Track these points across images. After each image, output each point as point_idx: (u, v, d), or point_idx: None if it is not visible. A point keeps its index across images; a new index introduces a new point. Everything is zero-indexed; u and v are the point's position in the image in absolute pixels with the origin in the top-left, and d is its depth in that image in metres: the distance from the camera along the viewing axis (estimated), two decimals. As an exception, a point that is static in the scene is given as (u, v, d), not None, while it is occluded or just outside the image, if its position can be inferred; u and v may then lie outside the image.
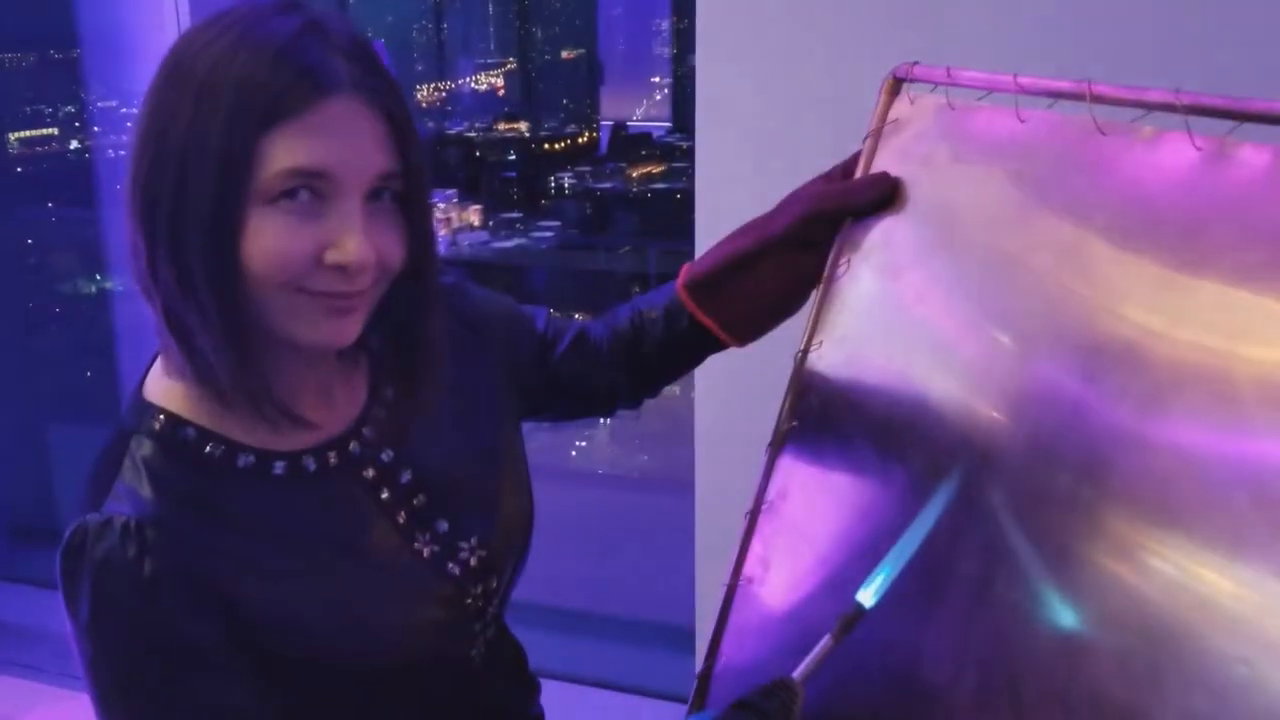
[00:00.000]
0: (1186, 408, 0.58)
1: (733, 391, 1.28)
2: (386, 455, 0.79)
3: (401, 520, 0.78)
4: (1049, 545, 0.65)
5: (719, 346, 0.90)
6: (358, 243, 0.68)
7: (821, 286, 0.86)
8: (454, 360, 0.83)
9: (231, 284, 0.66)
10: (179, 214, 0.65)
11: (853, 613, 0.69)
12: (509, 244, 3.58)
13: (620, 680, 1.88)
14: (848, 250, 0.86)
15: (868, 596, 0.69)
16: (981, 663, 0.68)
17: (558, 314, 0.97)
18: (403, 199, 0.72)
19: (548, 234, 3.61)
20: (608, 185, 3.86)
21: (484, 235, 3.53)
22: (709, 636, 0.87)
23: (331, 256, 0.67)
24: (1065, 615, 0.64)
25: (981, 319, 0.73)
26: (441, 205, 3.30)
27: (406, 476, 0.79)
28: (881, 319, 0.82)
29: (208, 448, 0.72)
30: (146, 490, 0.69)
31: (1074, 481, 0.64)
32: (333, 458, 0.76)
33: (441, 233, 3.53)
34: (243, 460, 0.73)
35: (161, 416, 0.72)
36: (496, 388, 0.87)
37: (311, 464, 0.75)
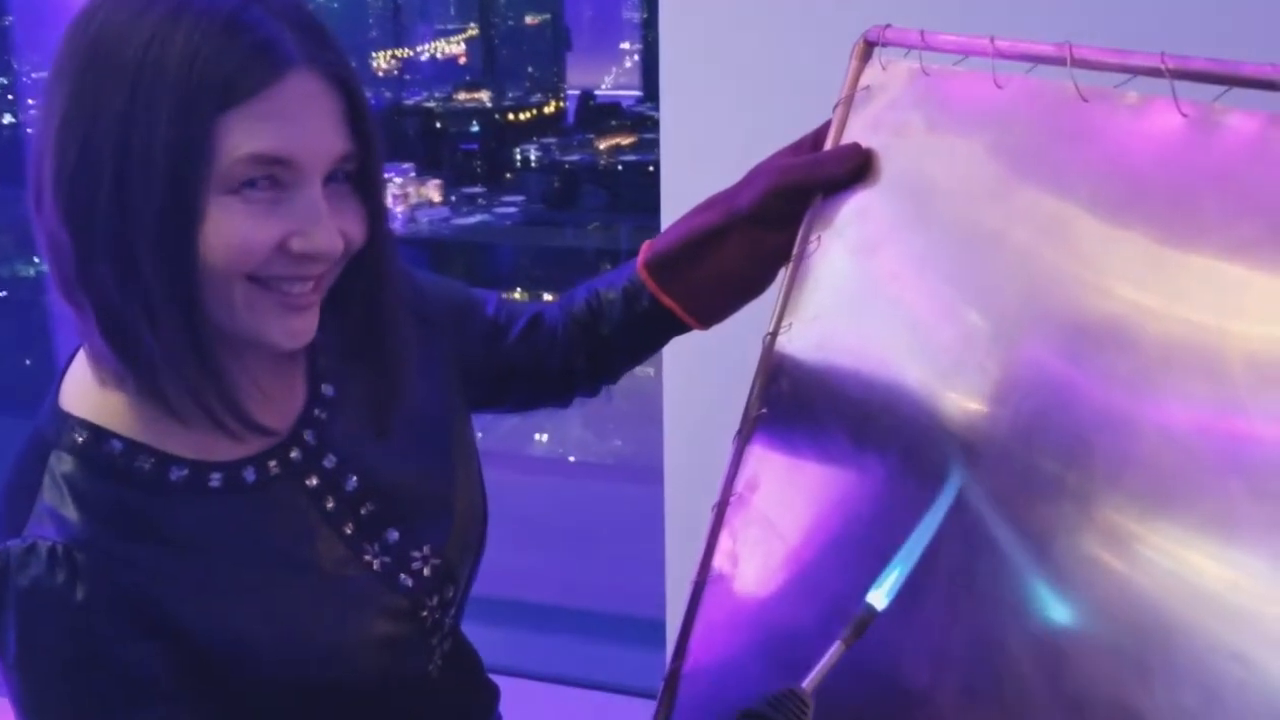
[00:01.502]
0: (1176, 389, 0.58)
1: (702, 376, 1.27)
2: (330, 461, 0.76)
3: (349, 531, 0.76)
4: (1033, 536, 0.64)
5: (682, 329, 0.88)
6: (327, 231, 0.66)
7: (791, 265, 0.84)
8: (401, 349, 0.80)
9: (189, 281, 0.63)
10: (123, 209, 0.62)
11: (865, 615, 0.67)
12: (471, 220, 3.54)
13: (592, 677, 1.87)
14: (818, 226, 0.84)
15: (879, 598, 0.67)
16: (964, 662, 0.68)
17: (509, 297, 0.94)
18: (358, 178, 0.69)
19: (512, 209, 3.57)
20: (575, 157, 3.82)
21: (444, 211, 3.49)
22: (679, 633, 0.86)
23: (299, 245, 0.66)
24: (1051, 609, 0.64)
25: (960, 298, 0.72)
26: (399, 180, 3.25)
27: (352, 483, 0.77)
28: (855, 299, 0.81)
29: (136, 461, 0.69)
30: (71, 511, 0.66)
31: (1059, 468, 0.63)
32: (273, 466, 0.73)
33: (399, 209, 3.48)
34: (176, 473, 0.70)
35: (83, 429, 0.69)
36: (446, 380, 0.85)
37: (251, 474, 0.72)
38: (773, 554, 0.82)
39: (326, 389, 0.79)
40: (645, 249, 0.89)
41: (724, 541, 0.85)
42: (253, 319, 0.67)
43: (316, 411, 0.77)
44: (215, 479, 0.71)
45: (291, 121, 0.63)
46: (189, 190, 0.61)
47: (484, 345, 0.90)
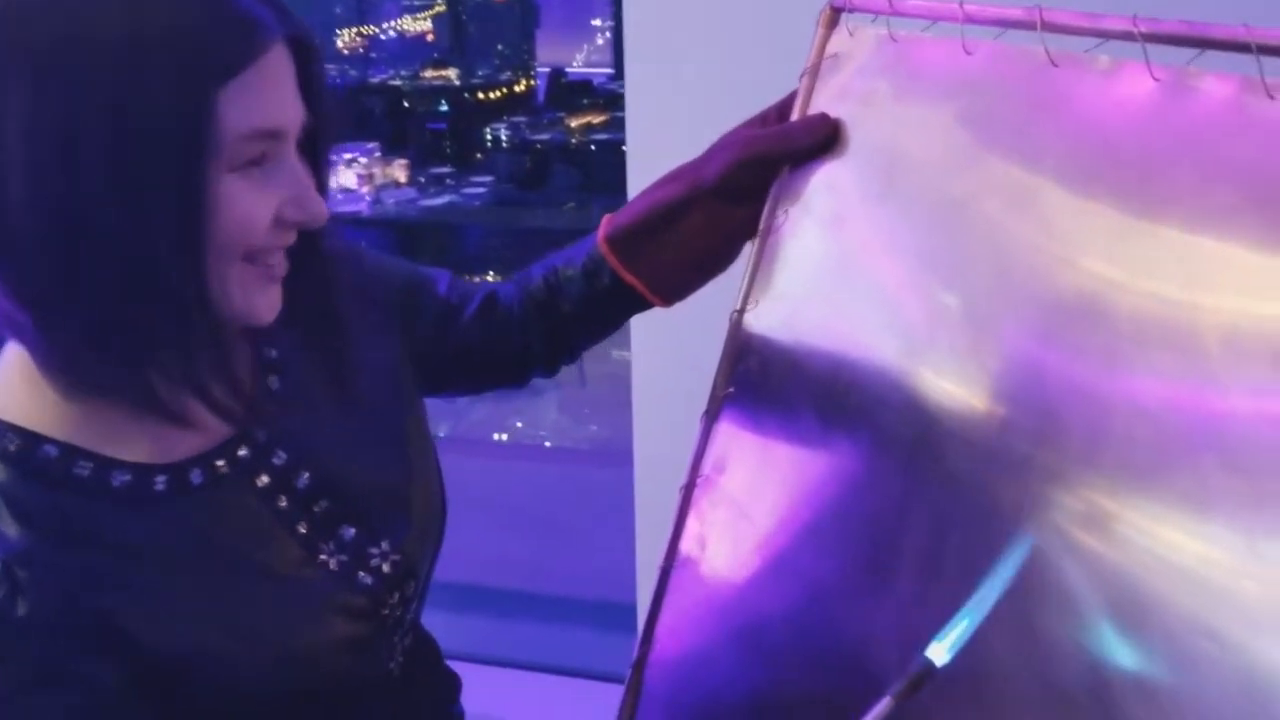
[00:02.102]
0: (1148, 364, 0.58)
1: (672, 356, 1.25)
2: (280, 458, 0.74)
3: (303, 530, 0.73)
4: (1004, 515, 0.64)
5: (643, 306, 0.87)
6: (317, 199, 0.66)
7: (758, 239, 0.83)
8: (351, 336, 0.78)
9: (202, 267, 0.62)
10: (124, 202, 0.58)
11: (921, 671, 0.62)
12: (438, 201, 3.50)
13: (564, 663, 1.86)
14: (785, 200, 0.83)
15: (940, 652, 0.62)
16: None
17: (465, 277, 0.92)
18: (306, 147, 0.68)
19: (480, 190, 3.53)
20: (546, 137, 3.79)
21: (411, 192, 3.45)
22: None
23: (293, 214, 0.65)
24: (1023, 589, 0.63)
25: (930, 274, 0.71)
26: (364, 161, 3.20)
27: (304, 480, 0.74)
28: (823, 274, 0.80)
29: (74, 467, 0.66)
30: (8, 523, 0.64)
31: (1031, 445, 0.63)
32: (221, 466, 0.71)
33: (364, 190, 3.44)
34: (118, 478, 0.67)
35: (14, 435, 0.66)
36: (397, 365, 0.83)
37: (198, 476, 0.70)
38: (742, 538, 0.81)
39: (273, 381, 0.76)
40: (606, 223, 0.87)
41: (691, 525, 0.84)
42: (245, 295, 0.66)
43: (265, 405, 0.75)
44: (160, 482, 0.68)
45: (275, 90, 0.63)
46: (199, 173, 0.59)
47: (437, 327, 0.88)
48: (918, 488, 0.70)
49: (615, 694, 0.83)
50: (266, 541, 0.72)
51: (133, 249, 0.60)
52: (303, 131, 0.66)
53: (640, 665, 0.84)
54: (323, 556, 0.74)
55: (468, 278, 0.94)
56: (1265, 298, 0.54)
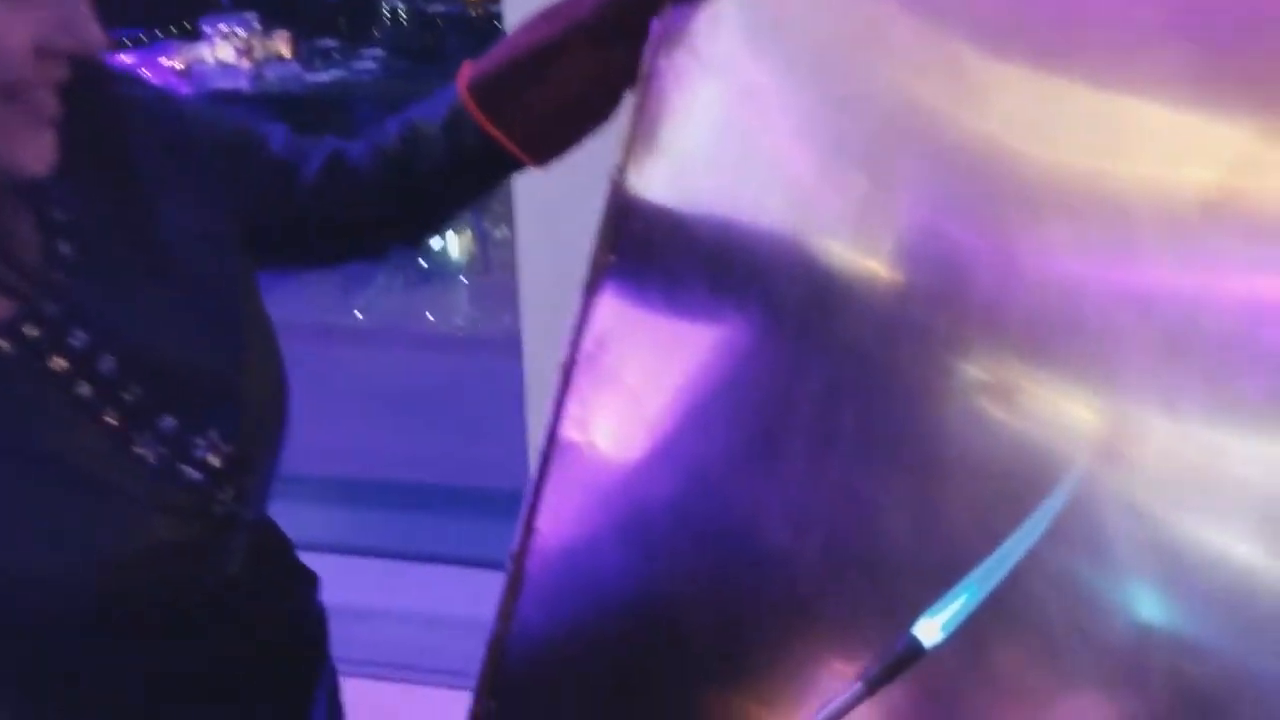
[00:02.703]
0: (1056, 232, 0.57)
1: (557, 225, 1.17)
2: (79, 339, 0.65)
3: (112, 421, 0.65)
4: (902, 383, 0.63)
5: (515, 166, 0.78)
6: (91, 22, 0.58)
7: (638, 86, 0.76)
8: (162, 199, 0.69)
9: None
10: None
11: (906, 653, 0.51)
12: (324, 77, 3.30)
13: (454, 553, 1.83)
14: (668, 41, 0.75)
15: (932, 631, 0.52)
16: (828, 520, 0.65)
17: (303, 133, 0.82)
18: None
19: (370, 65, 3.34)
20: (442, 8, 3.58)
21: (294, 67, 3.25)
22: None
23: (61, 42, 0.57)
24: (924, 461, 0.61)
25: (824, 129, 0.68)
26: (241, 33, 2.99)
27: (109, 364, 0.66)
28: (711, 126, 0.74)
29: None
30: None
31: (931, 312, 0.61)
32: (6, 347, 0.62)
33: (243, 64, 3.23)
34: None
35: None
36: (221, 232, 0.74)
37: None
38: (626, 418, 0.76)
39: (64, 247, 0.66)
40: (467, 69, 0.78)
41: (572, 407, 0.78)
42: (6, 142, 0.58)
43: (55, 275, 0.66)
44: None
45: None
46: None
47: (271, 190, 0.78)
48: (810, 357, 0.67)
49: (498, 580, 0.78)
50: (66, 435, 0.64)
51: None
52: None
53: (520, 557, 0.78)
54: (138, 450, 0.66)
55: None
56: (1180, 162, 0.53)
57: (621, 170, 0.76)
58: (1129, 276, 0.54)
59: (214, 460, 0.69)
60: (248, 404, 0.72)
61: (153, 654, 0.70)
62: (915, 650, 0.52)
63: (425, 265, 3.64)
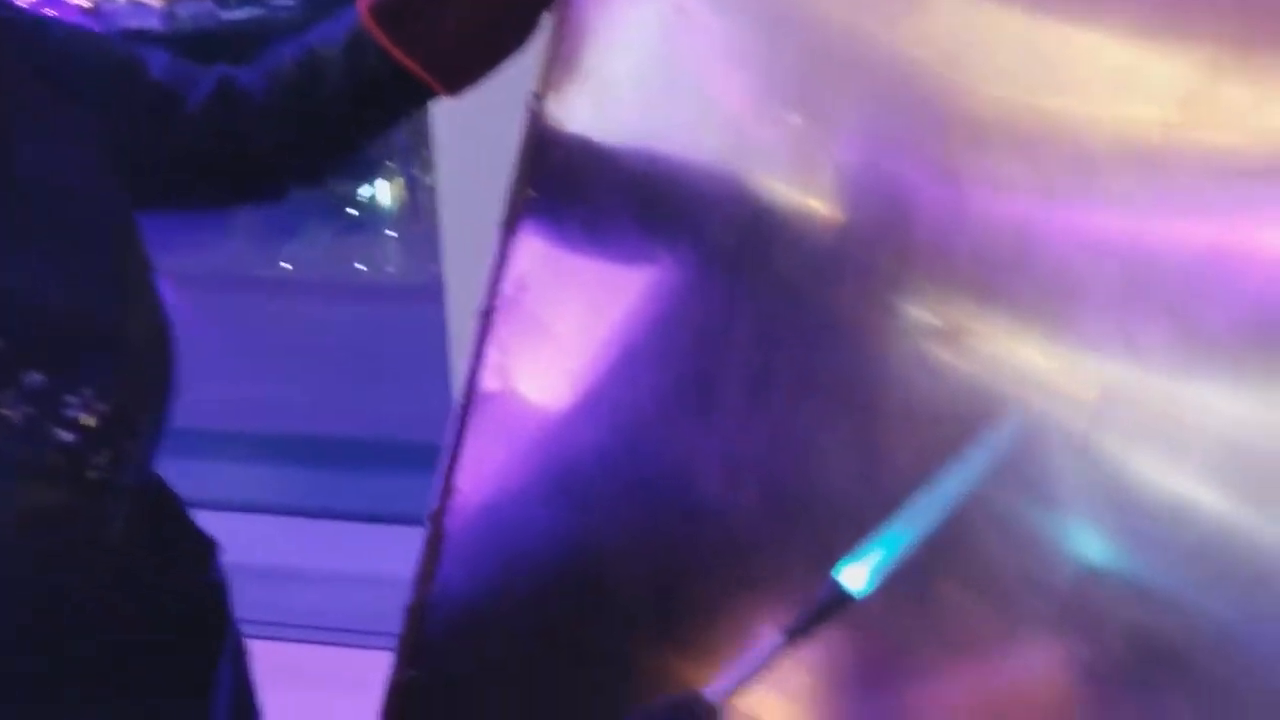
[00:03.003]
0: (997, 172, 0.55)
1: (480, 164, 1.12)
2: None
3: None
4: (843, 324, 0.61)
5: (425, 95, 0.73)
6: None
7: (557, 6, 0.72)
8: (24, 129, 0.62)
9: None
10: None
11: (830, 600, 0.49)
12: (241, 14, 3.17)
13: (375, 510, 1.78)
14: (587, -46, 0.70)
15: (858, 577, 0.49)
16: (764, 469, 0.63)
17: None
18: None
19: (289, 1, 3.21)
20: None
21: (209, 5, 3.11)
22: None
23: None
24: (862, 404, 0.58)
25: (757, 51, 0.65)
26: (150, -34, 2.85)
27: None
28: (637, 52, 0.71)
29: None
30: None
31: (872, 250, 0.59)
32: None
33: (155, 2, 3.09)
34: None
35: None
36: (95, 167, 0.68)
37: None
38: (551, 367, 0.73)
39: None
40: None
41: (492, 355, 0.75)
42: None
43: None
44: None
45: None
46: None
47: (151, 120, 0.72)
48: (745, 298, 0.64)
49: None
50: None
51: None
52: None
53: (439, 516, 0.75)
54: (2, 411, 0.60)
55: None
56: (1130, 98, 0.51)
57: (539, 98, 0.72)
58: (1082, 215, 0.52)
59: (88, 420, 0.64)
60: (125, 358, 0.67)
61: (32, 634, 0.65)
62: (840, 598, 0.49)
63: (354, 214, 3.54)
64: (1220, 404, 0.48)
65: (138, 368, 0.67)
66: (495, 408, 0.74)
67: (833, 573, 0.49)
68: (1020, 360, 0.54)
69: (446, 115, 1.18)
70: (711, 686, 0.51)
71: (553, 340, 0.73)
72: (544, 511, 0.72)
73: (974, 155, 0.55)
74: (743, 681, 0.50)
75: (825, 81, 0.62)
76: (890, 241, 0.58)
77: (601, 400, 0.70)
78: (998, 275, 0.54)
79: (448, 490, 0.75)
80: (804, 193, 0.63)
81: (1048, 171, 0.53)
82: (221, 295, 2.57)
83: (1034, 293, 0.53)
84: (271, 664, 0.89)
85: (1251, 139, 0.48)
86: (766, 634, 0.50)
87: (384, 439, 2.08)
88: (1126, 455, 0.51)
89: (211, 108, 0.72)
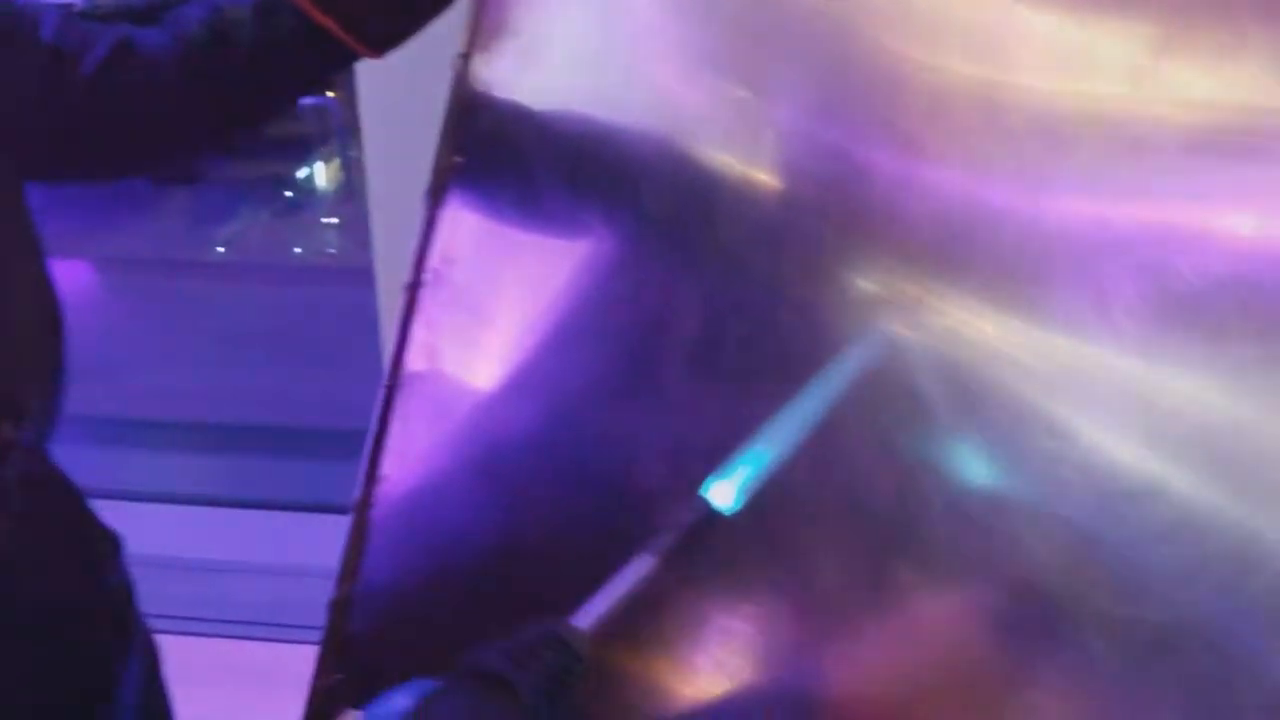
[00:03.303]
0: (949, 145, 0.55)
1: (407, 129, 1.06)
2: None
3: None
4: (790, 298, 0.59)
5: (347, 57, 0.68)
6: None
7: None
8: None
9: None
10: None
11: (698, 519, 0.50)
12: (167, -12, 3.07)
13: (300, 498, 1.73)
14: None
15: (726, 493, 0.50)
16: (705, 454, 0.58)
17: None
18: None
19: (219, -25, 3.11)
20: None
21: (133, -23, 3.01)
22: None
23: None
24: (816, 380, 0.56)
25: (695, 12, 0.64)
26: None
27: None
28: (567, 8, 0.68)
29: None
30: None
31: (818, 224, 0.58)
32: None
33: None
34: None
35: None
36: None
37: None
38: (480, 345, 0.69)
39: None
40: None
41: (418, 333, 0.71)
42: None
43: None
44: None
45: None
46: None
47: (42, 83, 0.66)
48: (686, 271, 0.62)
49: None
50: None
51: None
52: None
53: (364, 506, 0.70)
54: None
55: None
56: (1074, 75, 0.51)
57: (465, 58, 0.69)
58: (1040, 188, 0.52)
59: None
60: (10, 340, 0.61)
61: None
62: (708, 516, 0.49)
63: (291, 196, 3.46)
64: (1179, 382, 0.48)
65: (21, 348, 0.62)
66: (421, 389, 0.70)
67: (701, 491, 0.50)
68: (976, 332, 0.53)
69: (370, 80, 1.13)
70: (581, 611, 0.49)
71: (483, 316, 0.69)
72: (474, 498, 0.68)
73: (923, 128, 0.55)
74: (612, 606, 0.49)
75: (768, 49, 0.60)
76: (840, 214, 0.57)
77: (535, 380, 0.67)
78: (951, 247, 0.54)
79: (372, 478, 0.70)
80: (747, 162, 0.61)
81: (1005, 145, 0.53)
82: (154, 279, 2.49)
83: (991, 265, 0.53)
84: (196, 661, 0.86)
85: (1200, 113, 0.49)
86: (637, 557, 0.49)
87: (321, 426, 2.02)
88: (1092, 430, 0.50)
89: (107, 69, 0.67)
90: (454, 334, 0.69)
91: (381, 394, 0.71)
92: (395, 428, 0.70)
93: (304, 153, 3.48)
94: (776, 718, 0.54)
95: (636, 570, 0.49)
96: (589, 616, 0.48)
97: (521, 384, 0.67)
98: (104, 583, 0.69)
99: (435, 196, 0.69)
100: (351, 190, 3.43)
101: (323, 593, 0.72)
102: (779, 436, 0.52)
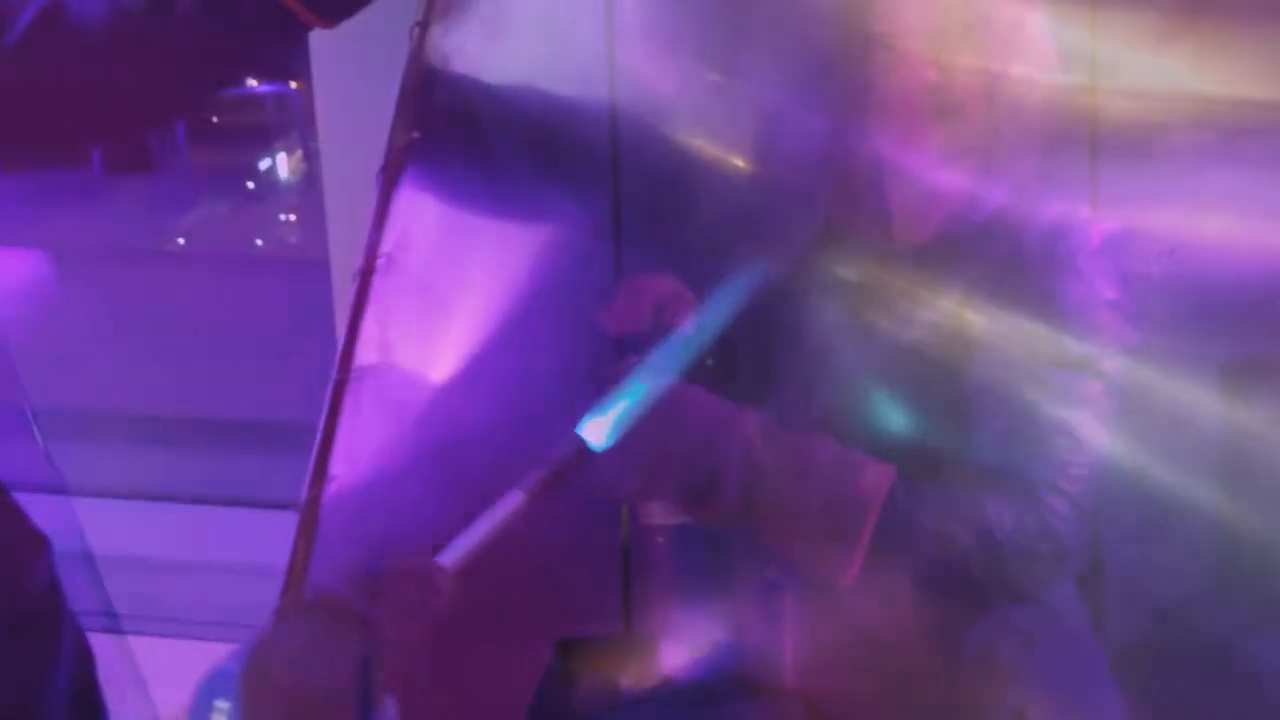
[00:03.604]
0: (935, 130, 0.55)
1: (362, 109, 1.04)
2: None
3: None
4: (770, 287, 0.58)
5: (299, 28, 0.65)
6: None
7: None
8: None
9: None
10: None
11: (570, 455, 0.50)
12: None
13: (244, 495, 1.71)
14: None
15: (598, 432, 0.51)
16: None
17: None
18: None
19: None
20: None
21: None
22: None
23: None
24: (794, 372, 0.57)
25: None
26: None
27: None
28: None
29: None
30: None
31: (799, 211, 0.59)
32: None
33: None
34: None
35: None
36: None
37: None
38: (436, 334, 0.67)
39: None
40: None
41: (370, 327, 0.69)
42: None
43: None
44: None
45: None
46: None
47: None
48: (657, 257, 0.61)
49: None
50: None
51: None
52: None
53: (313, 504, 0.68)
54: None
55: None
56: (1068, 67, 0.53)
57: (423, 28, 0.66)
58: (1025, 180, 0.53)
59: None
60: None
61: None
62: (579, 453, 0.50)
63: (251, 186, 3.45)
64: (1175, 381, 0.49)
65: None
66: (376, 382, 0.67)
67: (575, 429, 0.51)
68: (961, 323, 0.53)
69: (324, 57, 1.10)
70: (448, 547, 0.50)
71: (439, 305, 0.67)
72: (424, 493, 0.66)
73: (910, 117, 0.55)
74: (480, 542, 0.50)
75: (742, 27, 0.60)
76: (819, 200, 0.57)
77: (489, 370, 0.65)
78: (938, 236, 0.55)
79: (319, 476, 0.68)
80: (724, 144, 0.60)
81: (993, 136, 0.53)
82: (112, 271, 2.47)
83: (978, 257, 0.54)
84: (141, 660, 0.87)
85: (1192, 105, 0.50)
86: (506, 493, 0.50)
87: (284, 420, 2.00)
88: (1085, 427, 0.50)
89: (33, 39, 0.63)
90: (407, 323, 0.67)
91: (330, 388, 0.68)
92: (345, 423, 0.68)
93: (265, 143, 3.46)
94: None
95: (504, 507, 0.49)
96: (456, 551, 0.49)
97: (475, 375, 0.65)
98: (29, 587, 0.66)
99: (390, 176, 0.67)
100: (313, 181, 3.40)
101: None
102: (651, 375, 0.52)
